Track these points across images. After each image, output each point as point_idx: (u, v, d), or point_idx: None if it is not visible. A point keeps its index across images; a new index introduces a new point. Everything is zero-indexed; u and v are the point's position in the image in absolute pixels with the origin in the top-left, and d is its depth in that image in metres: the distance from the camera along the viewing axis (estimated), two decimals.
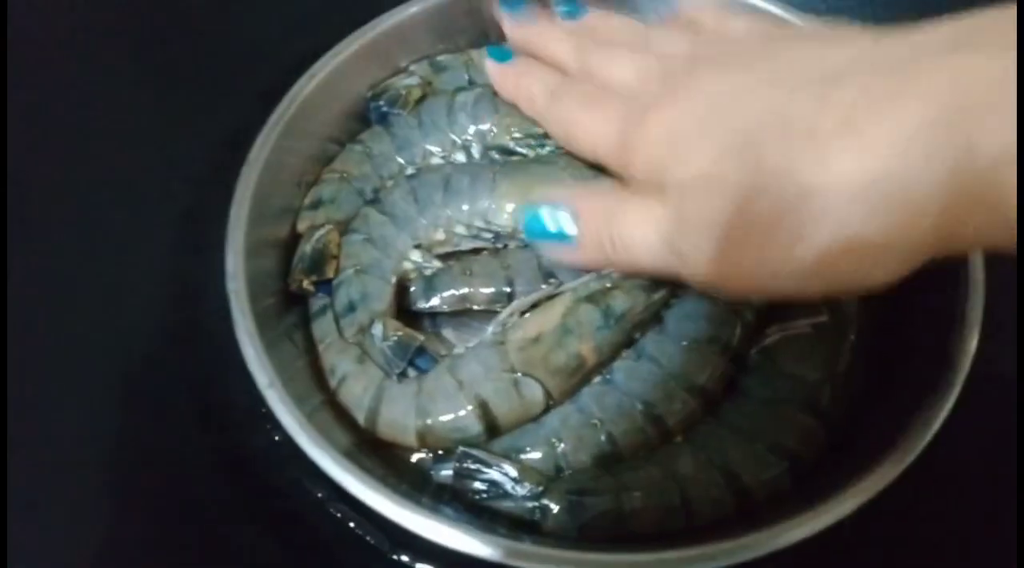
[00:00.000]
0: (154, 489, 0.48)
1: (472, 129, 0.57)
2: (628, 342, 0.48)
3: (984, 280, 0.45)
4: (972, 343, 0.43)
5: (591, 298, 0.48)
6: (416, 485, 0.45)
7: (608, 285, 0.48)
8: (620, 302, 0.47)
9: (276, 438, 0.47)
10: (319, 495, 0.47)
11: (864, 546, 0.42)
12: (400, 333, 0.47)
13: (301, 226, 0.53)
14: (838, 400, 0.45)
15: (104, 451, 0.48)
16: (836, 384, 0.45)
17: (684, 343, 0.47)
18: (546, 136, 0.57)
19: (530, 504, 0.43)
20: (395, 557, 0.45)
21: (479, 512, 0.44)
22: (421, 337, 0.48)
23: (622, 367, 0.47)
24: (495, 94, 0.58)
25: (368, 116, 0.59)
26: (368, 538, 0.46)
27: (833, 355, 0.46)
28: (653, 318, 0.48)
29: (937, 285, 0.47)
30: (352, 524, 0.46)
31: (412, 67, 0.62)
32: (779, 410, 0.45)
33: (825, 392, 0.45)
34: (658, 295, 0.48)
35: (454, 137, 0.57)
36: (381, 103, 0.58)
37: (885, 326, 0.48)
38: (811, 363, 0.46)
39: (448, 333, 0.53)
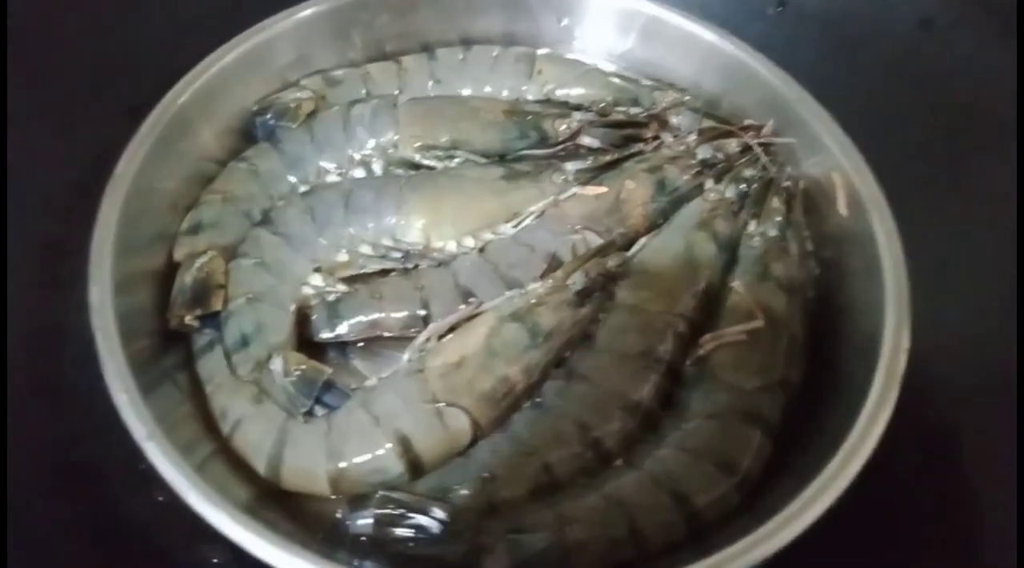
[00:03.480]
0: None
1: (372, 143, 0.53)
2: (558, 361, 0.44)
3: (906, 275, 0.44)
4: (904, 337, 0.42)
5: (515, 316, 0.44)
6: (331, 539, 0.39)
7: (532, 301, 0.45)
8: (546, 319, 0.44)
9: (160, 498, 0.40)
10: (215, 560, 0.40)
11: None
12: (304, 366, 0.42)
13: (179, 254, 0.47)
14: (779, 408, 0.43)
15: None
16: (775, 391, 0.43)
17: (616, 358, 0.44)
18: (454, 147, 0.53)
19: (463, 548, 0.38)
20: None
21: (406, 563, 0.38)
22: (329, 370, 0.42)
23: (553, 388, 0.43)
24: (395, 105, 0.54)
25: (253, 133, 0.54)
26: None
27: (770, 361, 0.44)
28: (582, 334, 0.45)
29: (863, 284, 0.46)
30: None
31: (304, 82, 0.57)
32: (722, 424, 0.42)
33: (765, 400, 0.43)
34: (586, 309, 0.45)
35: (351, 152, 0.53)
36: (268, 117, 0.53)
37: (818, 327, 0.47)
38: (748, 371, 0.44)
39: (358, 364, 0.48)
